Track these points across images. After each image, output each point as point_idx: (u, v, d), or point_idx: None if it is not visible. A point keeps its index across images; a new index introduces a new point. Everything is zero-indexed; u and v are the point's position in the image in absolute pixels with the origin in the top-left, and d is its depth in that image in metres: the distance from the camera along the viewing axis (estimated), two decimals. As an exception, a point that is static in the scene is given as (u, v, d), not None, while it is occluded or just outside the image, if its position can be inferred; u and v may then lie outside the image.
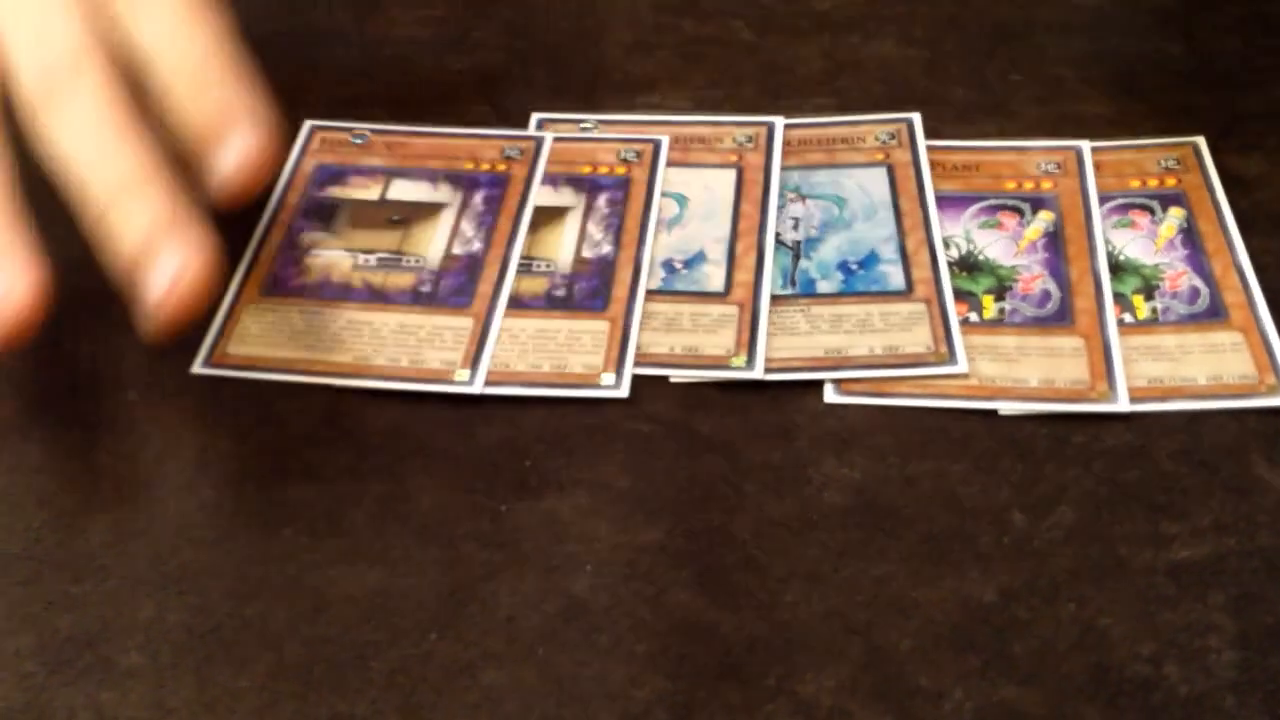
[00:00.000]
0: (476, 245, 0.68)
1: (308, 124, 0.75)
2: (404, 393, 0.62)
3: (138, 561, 0.57)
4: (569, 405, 0.62)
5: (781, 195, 0.70)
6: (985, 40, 0.78)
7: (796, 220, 0.69)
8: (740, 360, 0.63)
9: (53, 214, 0.54)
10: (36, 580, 0.56)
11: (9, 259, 0.52)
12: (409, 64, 0.77)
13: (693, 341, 0.64)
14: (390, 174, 0.71)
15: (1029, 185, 0.70)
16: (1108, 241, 0.67)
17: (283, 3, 0.82)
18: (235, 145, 0.53)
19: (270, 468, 0.60)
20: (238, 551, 0.57)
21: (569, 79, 0.77)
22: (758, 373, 0.63)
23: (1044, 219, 0.68)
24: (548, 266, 0.67)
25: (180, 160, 0.54)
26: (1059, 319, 0.64)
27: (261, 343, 0.64)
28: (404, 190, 0.71)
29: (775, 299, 0.66)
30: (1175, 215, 0.69)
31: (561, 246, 0.68)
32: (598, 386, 0.62)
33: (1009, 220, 0.69)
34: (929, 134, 0.73)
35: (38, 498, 0.59)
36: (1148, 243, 0.68)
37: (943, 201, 0.70)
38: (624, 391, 0.62)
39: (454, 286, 0.66)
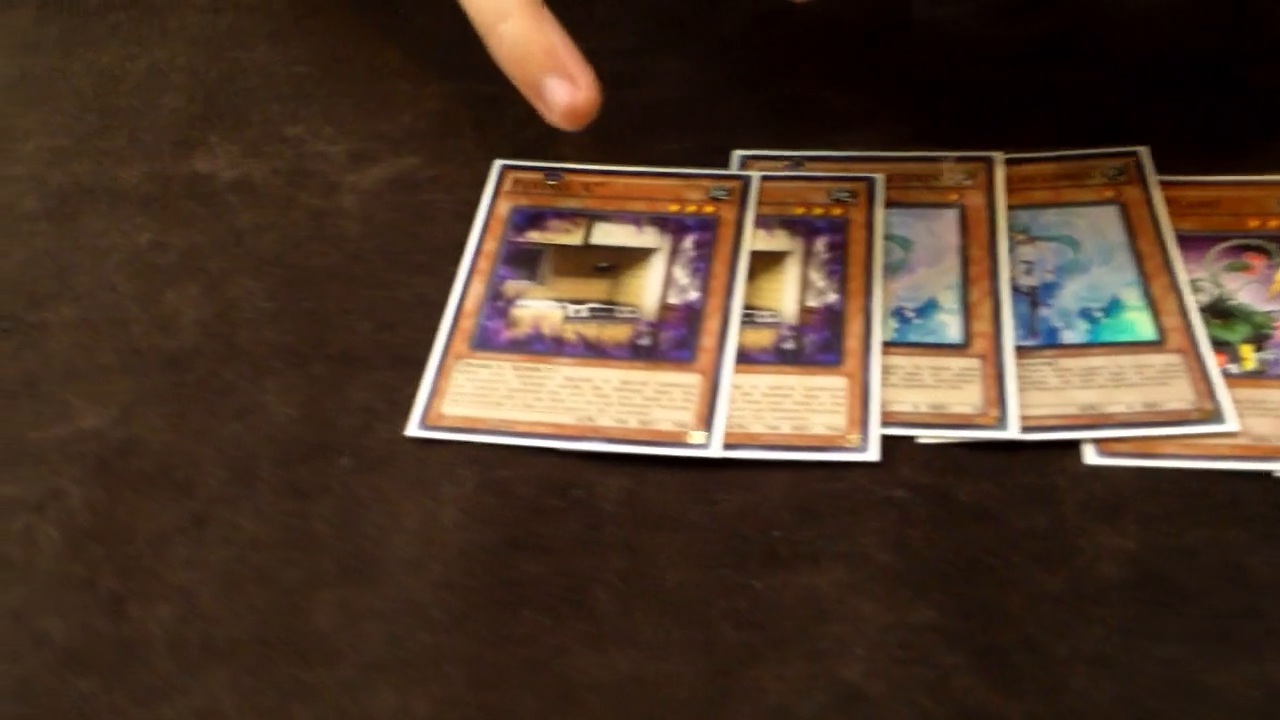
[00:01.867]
0: (693, 294, 0.64)
1: (498, 164, 0.71)
2: (635, 456, 0.58)
3: (372, 645, 0.53)
4: (813, 469, 0.58)
5: (1010, 237, 0.65)
6: (1193, 70, 0.74)
7: (1029, 264, 0.65)
8: (992, 419, 0.58)
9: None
10: (266, 666, 0.53)
11: (581, 69, 0.65)
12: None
13: (937, 398, 0.60)
14: (592, 217, 0.67)
15: (1274, 223, 0.66)
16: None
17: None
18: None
19: (500, 540, 0.56)
20: (476, 634, 0.53)
21: (766, 113, 0.72)
22: (1013, 432, 0.58)
23: (1296, 260, 0.64)
24: (772, 317, 0.63)
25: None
26: (1328, 370, 0.59)
27: (476, 402, 0.60)
28: (608, 234, 0.67)
29: (1019, 350, 0.61)
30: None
31: (784, 295, 0.64)
32: (844, 449, 0.58)
33: (1257, 261, 0.64)
34: (1161, 169, 0.68)
35: (257, 574, 0.55)
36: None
37: (1183, 242, 0.65)
38: (874, 455, 0.58)
39: (675, 339, 0.62)
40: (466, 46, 0.78)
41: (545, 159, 0.71)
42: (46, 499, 0.59)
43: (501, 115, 0.74)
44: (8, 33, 0.80)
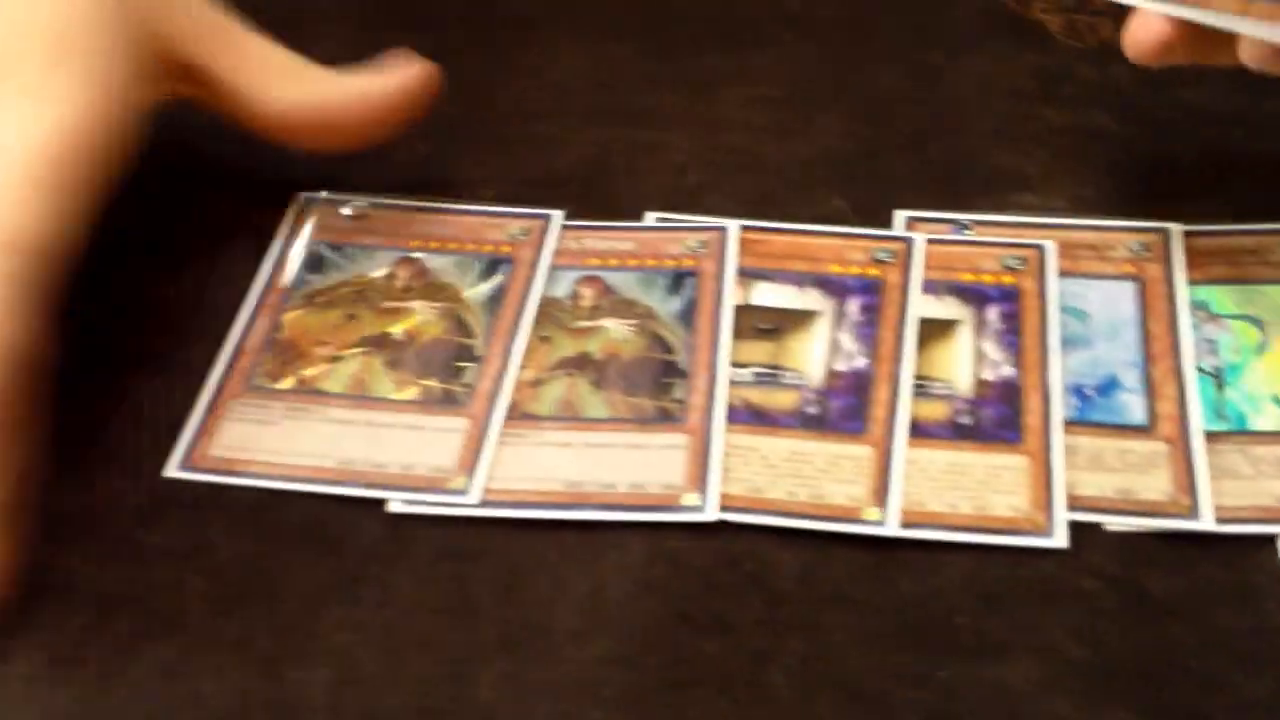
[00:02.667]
0: (861, 361, 0.61)
1: (651, 216, 0.68)
2: (809, 531, 0.55)
3: (540, 721, 0.50)
4: (995, 552, 0.55)
5: (1192, 314, 0.63)
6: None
7: (1212, 343, 0.62)
8: (1184, 507, 0.56)
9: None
10: (431, 740, 0.50)
11: None
12: (749, 153, 0.71)
13: (1124, 483, 0.57)
14: (751, 275, 0.65)
15: None
16: None
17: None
18: None
19: (672, 614, 0.54)
20: (651, 715, 0.51)
21: (930, 172, 0.70)
22: (1207, 524, 0.56)
23: None
24: (945, 388, 0.60)
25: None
26: None
27: (644, 470, 0.58)
28: (768, 295, 0.64)
29: (1207, 435, 0.58)
30: None
31: (956, 365, 0.61)
32: (1029, 534, 0.55)
33: None
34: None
35: (418, 640, 0.53)
36: None
37: (1376, 326, 0.62)
38: (1061, 541, 0.55)
39: (844, 409, 0.59)
40: (616, 90, 0.76)
41: (702, 211, 0.68)
42: (195, 549, 0.56)
43: (656, 164, 0.71)
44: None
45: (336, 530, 0.57)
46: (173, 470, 0.58)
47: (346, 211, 0.68)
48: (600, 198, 0.70)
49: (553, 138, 0.73)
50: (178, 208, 0.69)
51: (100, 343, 0.62)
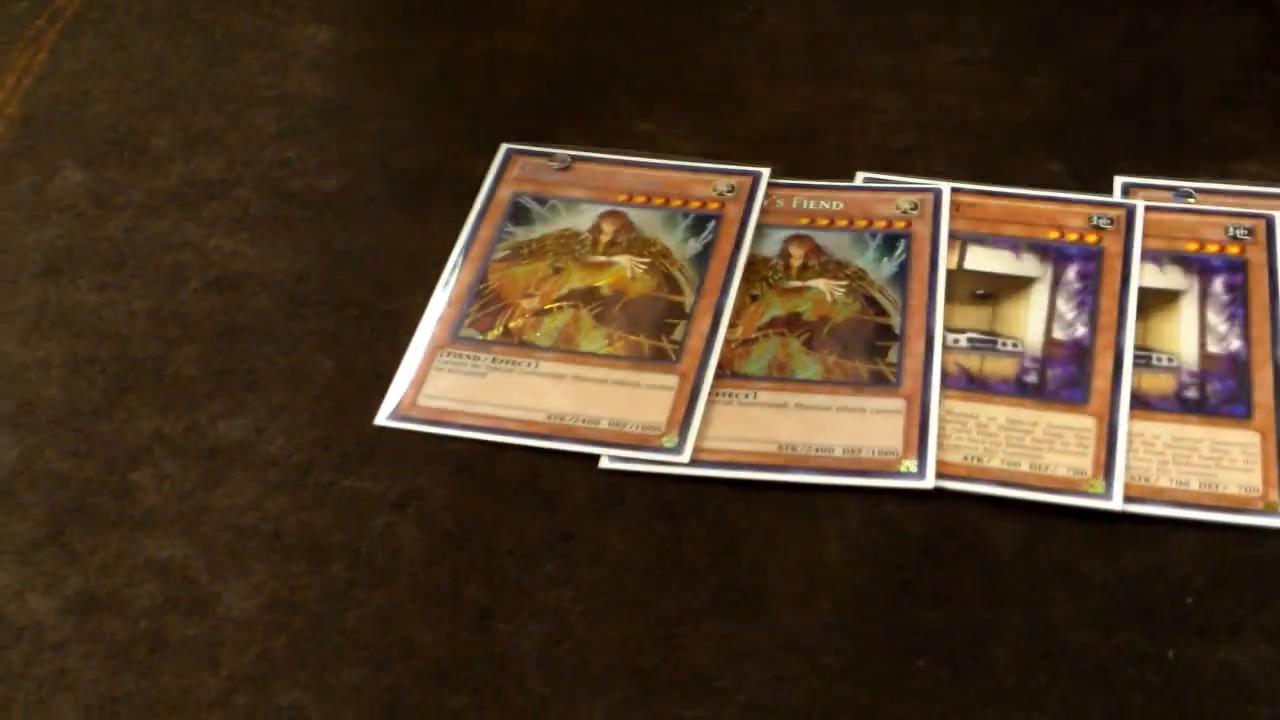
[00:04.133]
0: (1080, 330, 0.59)
1: (860, 176, 0.67)
2: (1029, 502, 0.54)
3: (755, 686, 0.50)
4: (1226, 532, 0.53)
5: None
6: None
7: None
8: None
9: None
10: (644, 702, 0.50)
11: None
12: (964, 112, 0.69)
13: (1360, 463, 0.55)
14: (965, 239, 0.63)
15: None
16: None
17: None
18: None
19: (891, 583, 0.53)
20: (872, 683, 0.50)
21: (1149, 138, 0.68)
22: None
23: None
24: (1169, 361, 0.58)
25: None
26: None
27: (858, 432, 0.57)
28: (983, 259, 0.63)
29: None
30: None
31: (1181, 337, 0.59)
32: (1263, 513, 0.53)
33: None
34: None
35: (630, 599, 0.53)
36: None
37: None
38: (1295, 521, 0.53)
39: (1063, 378, 0.58)
40: (823, 48, 0.75)
41: (912, 172, 0.66)
42: (406, 497, 0.56)
43: (865, 124, 0.69)
44: (346, 7, 0.78)
45: (549, 485, 0.56)
46: (383, 419, 0.58)
47: (552, 164, 0.68)
48: (808, 156, 0.68)
49: (760, 95, 0.72)
50: (383, 156, 0.68)
51: (307, 291, 0.62)
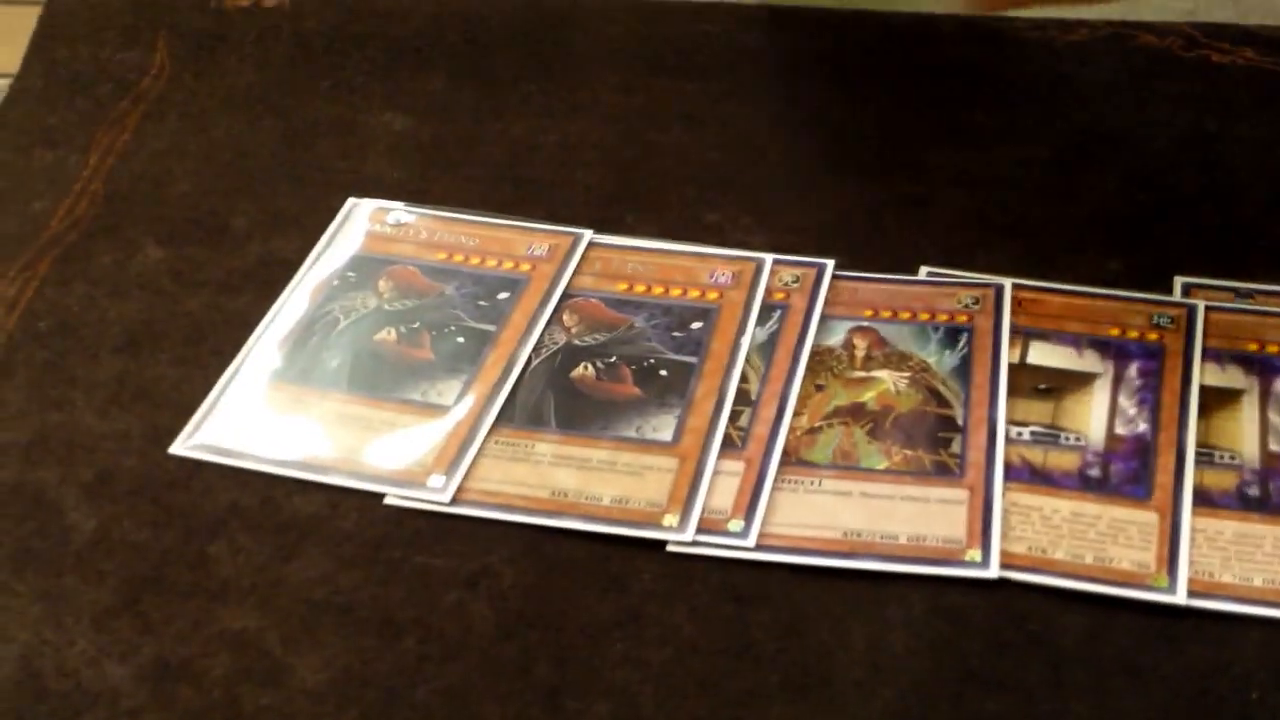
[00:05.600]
0: (1142, 426, 0.60)
1: (923, 271, 0.68)
2: (1094, 595, 0.54)
3: (824, 770, 0.50)
4: (1289, 628, 0.53)
5: None
6: None
7: None
8: None
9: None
10: (713, 780, 0.50)
11: None
12: (1020, 211, 0.70)
13: None
14: (1027, 334, 0.64)
15: None
16: None
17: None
18: None
19: (956, 672, 0.53)
20: (936, 770, 0.50)
21: (1207, 238, 0.69)
22: None
23: None
24: (1231, 458, 0.59)
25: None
26: None
27: (926, 522, 0.58)
28: (1045, 355, 0.64)
29: None
30: None
31: (1242, 436, 0.60)
32: (1325, 610, 0.54)
33: None
34: None
35: (698, 681, 0.53)
36: None
37: None
38: (1357, 619, 0.53)
39: (1126, 473, 0.59)
40: (889, 144, 0.76)
41: (974, 268, 0.68)
42: (478, 575, 0.57)
43: (927, 218, 0.71)
44: (424, 97, 0.80)
45: (616, 567, 0.57)
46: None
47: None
48: (872, 250, 0.69)
49: (824, 187, 0.73)
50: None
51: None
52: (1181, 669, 0.53)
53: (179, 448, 0.62)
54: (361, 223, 0.71)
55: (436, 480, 0.60)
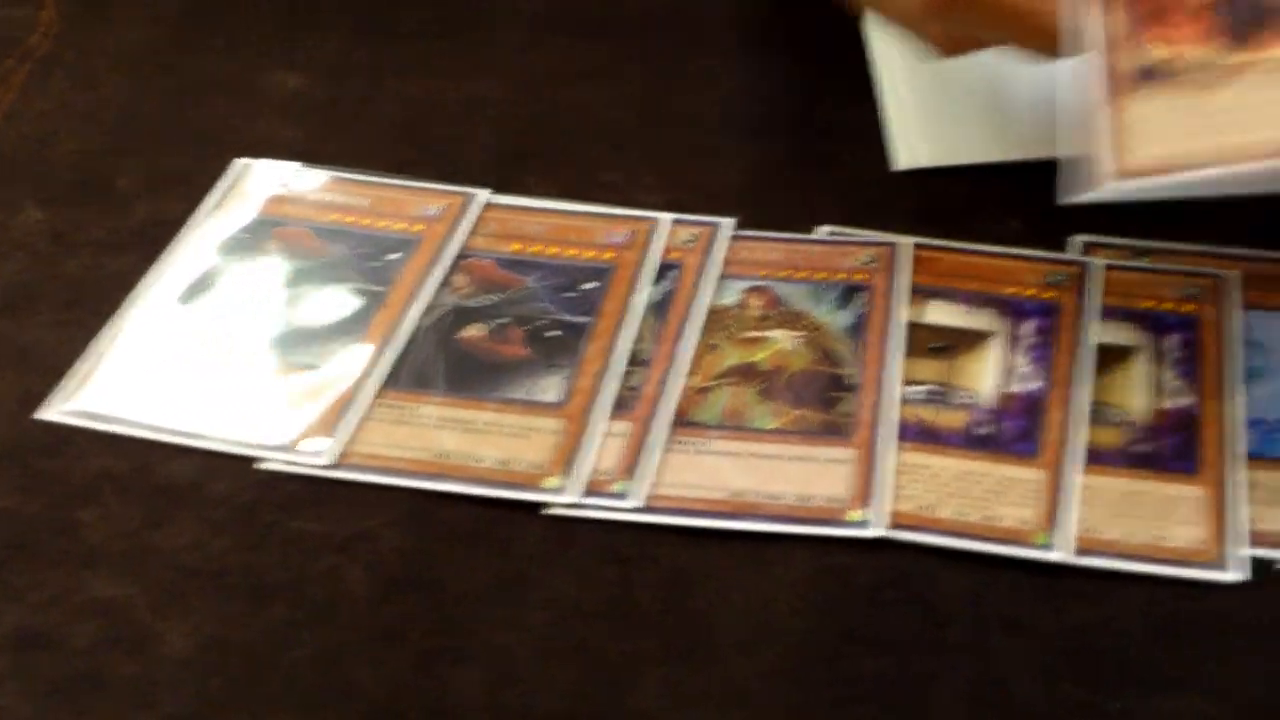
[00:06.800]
0: (1035, 384, 0.60)
1: (822, 230, 0.67)
2: (977, 553, 0.54)
3: (700, 732, 0.49)
4: (1172, 585, 0.53)
5: (1382, 350, 0.61)
6: None
7: (1401, 382, 0.60)
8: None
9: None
10: (588, 745, 0.49)
11: None
12: (922, 169, 0.69)
13: (1309, 521, 0.55)
14: (924, 293, 0.63)
15: None
16: None
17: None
18: None
19: (837, 631, 0.52)
20: (813, 731, 0.49)
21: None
22: (1399, 566, 0.53)
23: None
24: (1121, 415, 0.58)
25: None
26: None
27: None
28: (941, 313, 0.63)
29: (1399, 478, 0.56)
30: None
31: (1133, 393, 0.59)
32: (1205, 566, 0.53)
33: None
34: None
35: (577, 644, 0.52)
36: None
37: None
38: (1239, 575, 0.53)
39: (1016, 431, 0.58)
40: (791, 100, 0.75)
41: (872, 226, 0.67)
42: (354, 540, 0.56)
43: (829, 178, 0.70)
44: (320, 55, 0.78)
45: (499, 530, 0.56)
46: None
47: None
48: (773, 209, 0.69)
49: (727, 146, 0.72)
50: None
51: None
52: (1062, 626, 0.53)
53: (50, 412, 0.60)
54: (251, 183, 0.70)
55: (315, 444, 0.59)
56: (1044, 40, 0.56)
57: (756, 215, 0.69)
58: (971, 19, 0.60)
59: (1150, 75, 0.51)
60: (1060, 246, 0.67)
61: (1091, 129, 0.51)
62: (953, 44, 0.63)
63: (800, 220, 0.68)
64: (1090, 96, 0.52)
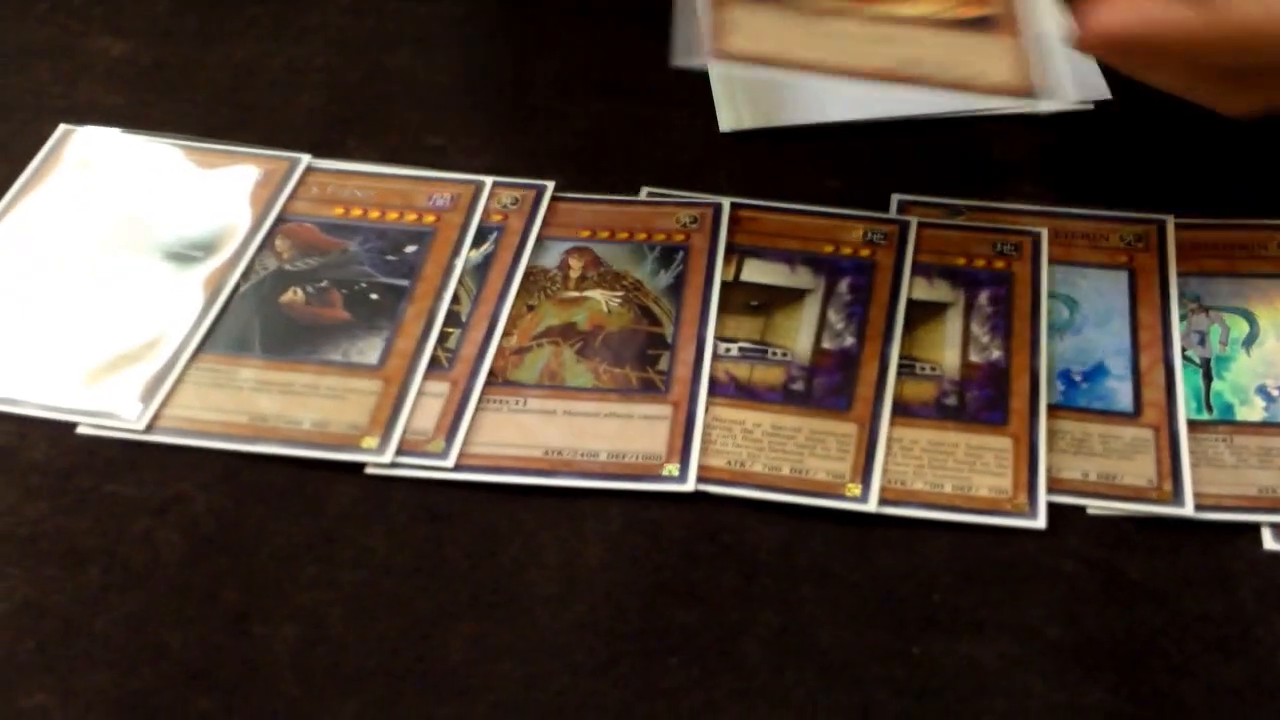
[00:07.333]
0: (849, 340, 0.61)
1: (644, 190, 0.68)
2: (788, 505, 0.55)
3: (509, 684, 0.50)
4: (976, 533, 0.54)
5: (1182, 305, 0.62)
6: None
7: (1201, 334, 0.61)
8: (1165, 494, 0.55)
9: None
10: (397, 700, 0.50)
11: None
12: (745, 131, 0.70)
13: (1108, 468, 0.57)
14: (743, 252, 0.64)
15: None
16: None
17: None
18: None
19: (649, 584, 0.53)
20: (622, 682, 0.51)
21: (934, 159, 0.69)
22: (1188, 510, 0.55)
23: None
24: (933, 370, 0.60)
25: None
26: None
27: (622, 436, 0.57)
28: (759, 272, 0.64)
29: (1192, 425, 0.58)
30: None
31: (945, 348, 0.61)
32: (1009, 514, 0.55)
33: None
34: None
35: (388, 601, 0.52)
36: None
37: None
38: (1040, 522, 0.55)
39: (830, 386, 0.59)
40: (618, 65, 0.76)
41: (695, 188, 0.68)
42: (169, 503, 0.55)
43: (654, 139, 0.70)
44: (145, 20, 0.78)
45: (314, 490, 0.56)
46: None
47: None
48: (597, 171, 0.69)
49: (551, 110, 0.72)
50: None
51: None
52: (870, 575, 0.54)
53: None
54: (72, 150, 0.69)
55: (131, 408, 0.58)
56: None
57: (582, 178, 0.69)
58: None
59: None
60: (883, 207, 0.67)
61: (702, 15, 0.53)
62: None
63: (626, 183, 0.69)
64: None
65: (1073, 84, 0.52)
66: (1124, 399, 0.59)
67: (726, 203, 0.67)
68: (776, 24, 0.52)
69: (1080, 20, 0.54)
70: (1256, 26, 0.52)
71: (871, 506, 0.55)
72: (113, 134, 0.70)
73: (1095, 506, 0.56)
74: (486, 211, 0.67)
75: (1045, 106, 0.49)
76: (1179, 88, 0.56)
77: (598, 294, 0.63)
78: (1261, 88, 0.56)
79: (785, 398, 0.59)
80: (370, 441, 0.58)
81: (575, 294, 0.63)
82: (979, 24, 0.53)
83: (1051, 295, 0.64)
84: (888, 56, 0.51)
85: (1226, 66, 0.54)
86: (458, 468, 0.57)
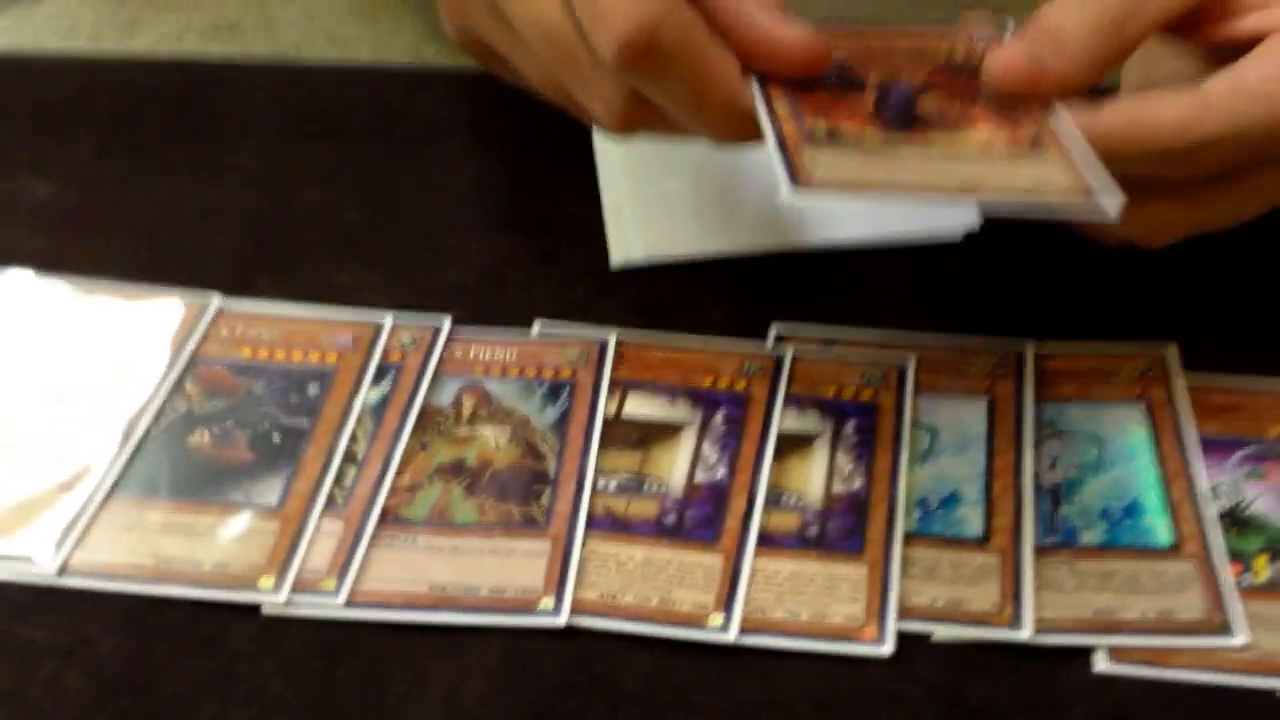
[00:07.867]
0: (720, 472, 0.65)
1: (536, 325, 0.72)
2: (658, 637, 0.59)
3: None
4: (830, 661, 0.59)
5: (1038, 431, 0.67)
6: (1228, 268, 0.75)
7: (1054, 459, 0.66)
8: (1006, 618, 0.60)
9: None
10: (284, 833, 0.53)
11: None
12: (645, 266, 0.75)
13: (955, 594, 0.61)
14: (626, 386, 0.69)
15: (1296, 432, 0.67)
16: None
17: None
18: None
19: (525, 716, 0.57)
20: (493, 812, 0.54)
21: (815, 287, 0.74)
22: (1026, 634, 0.60)
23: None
24: (798, 501, 0.64)
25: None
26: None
27: (500, 572, 0.62)
28: (640, 406, 0.68)
29: (1038, 549, 0.62)
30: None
31: (810, 479, 0.65)
32: (860, 642, 0.59)
33: (1275, 470, 0.65)
34: (1188, 366, 0.69)
35: (280, 737, 0.56)
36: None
37: (1206, 446, 0.66)
38: (888, 649, 0.59)
39: (699, 519, 0.63)
40: (519, 199, 0.80)
41: (590, 319, 0.72)
42: (76, 645, 0.59)
43: (551, 274, 0.75)
44: (68, 164, 0.82)
45: (213, 631, 0.60)
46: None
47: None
48: (496, 306, 0.73)
49: (453, 247, 0.77)
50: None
51: None
52: (731, 704, 0.58)
53: None
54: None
55: (45, 552, 0.63)
56: None
57: (481, 313, 0.73)
58: None
59: (812, 139, 0.57)
60: (765, 334, 0.72)
61: (774, 160, 0.58)
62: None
63: (522, 316, 0.73)
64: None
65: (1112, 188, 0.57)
66: (974, 526, 0.64)
67: (612, 339, 0.71)
68: (848, 159, 0.57)
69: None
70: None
71: (731, 637, 0.59)
72: (28, 276, 0.74)
73: (940, 633, 0.60)
74: (386, 351, 0.71)
75: (1107, 205, 0.55)
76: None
77: (488, 431, 0.68)
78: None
79: (658, 531, 0.63)
80: (266, 581, 0.62)
81: (467, 431, 0.67)
82: (1031, 144, 0.58)
83: (915, 424, 0.67)
84: (958, 175, 0.56)
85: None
86: (349, 605, 0.61)
